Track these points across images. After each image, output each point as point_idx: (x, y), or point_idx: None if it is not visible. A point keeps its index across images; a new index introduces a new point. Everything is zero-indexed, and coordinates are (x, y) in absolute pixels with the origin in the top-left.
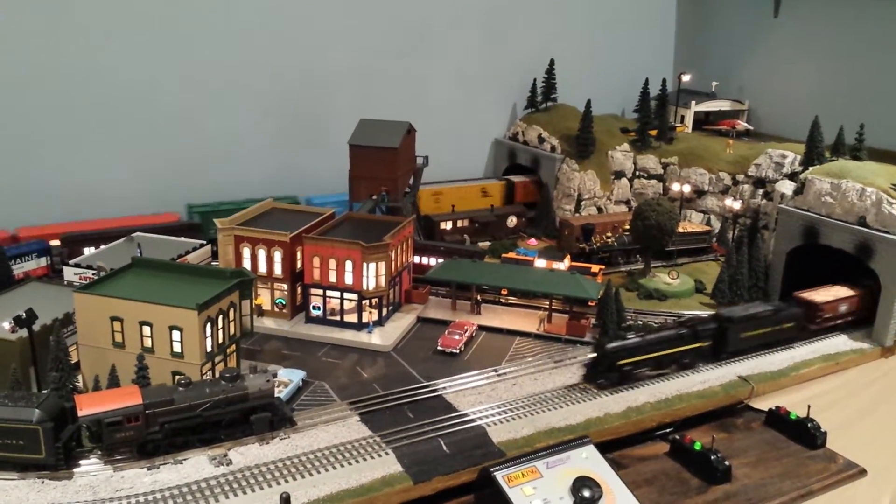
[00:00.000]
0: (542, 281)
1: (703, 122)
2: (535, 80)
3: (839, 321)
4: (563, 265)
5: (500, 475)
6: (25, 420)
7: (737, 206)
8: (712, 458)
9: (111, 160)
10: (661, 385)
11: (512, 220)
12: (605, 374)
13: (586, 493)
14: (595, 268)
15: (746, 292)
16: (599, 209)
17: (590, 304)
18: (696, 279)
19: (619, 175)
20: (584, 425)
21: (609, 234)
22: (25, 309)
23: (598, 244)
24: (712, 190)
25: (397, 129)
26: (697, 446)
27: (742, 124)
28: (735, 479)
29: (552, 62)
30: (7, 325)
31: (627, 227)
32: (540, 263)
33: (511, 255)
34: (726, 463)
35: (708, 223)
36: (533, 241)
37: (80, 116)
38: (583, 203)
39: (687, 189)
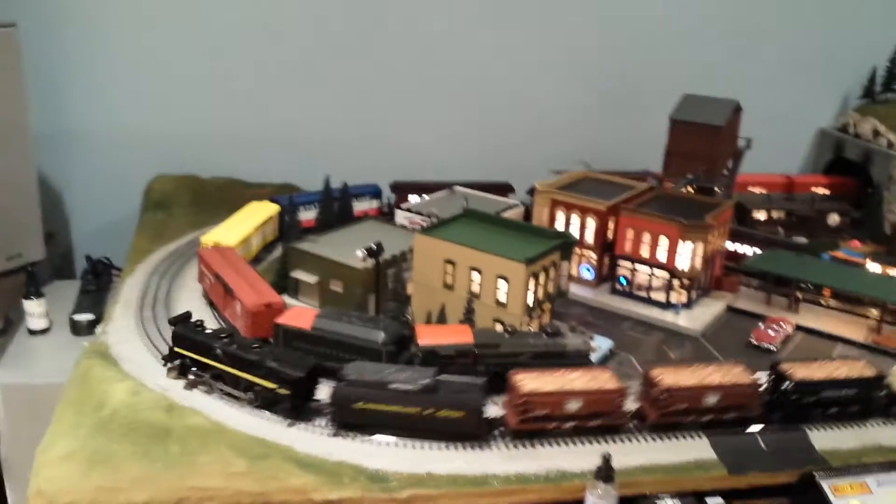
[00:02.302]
0: (875, 286)
1: None
2: (874, 67)
3: None
4: None
5: (826, 483)
6: (372, 341)
7: None
8: None
9: (435, 125)
10: None
11: (834, 218)
12: None
13: None
14: None
15: None
16: None
17: None
18: None
19: None
20: None
21: None
22: (375, 242)
23: None
24: None
25: (724, 106)
26: None
27: None
28: None
29: None
30: (359, 255)
31: None
32: (873, 267)
33: (839, 254)
34: None
35: None
36: (856, 243)
37: (408, 82)
38: None
39: None
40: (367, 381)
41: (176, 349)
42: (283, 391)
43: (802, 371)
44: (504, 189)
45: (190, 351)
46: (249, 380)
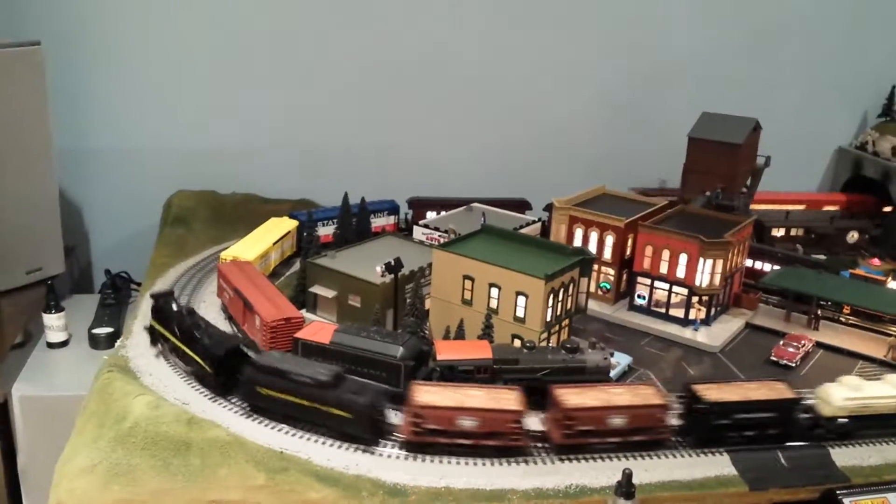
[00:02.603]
0: (895, 303)
1: None
2: (893, 86)
3: None
4: None
5: (847, 500)
6: (391, 356)
7: None
8: None
9: (453, 141)
10: None
11: (853, 236)
12: None
13: None
14: None
15: None
16: None
17: None
18: None
19: None
20: None
21: None
22: (394, 258)
23: None
24: None
25: (743, 124)
26: None
27: None
28: None
29: None
30: (378, 270)
31: None
32: (894, 285)
33: (859, 271)
34: None
35: None
36: (876, 260)
37: (427, 99)
38: None
39: None
40: (270, 368)
41: (152, 321)
42: (207, 368)
43: (717, 392)
44: (521, 206)
45: (160, 324)
46: (190, 354)
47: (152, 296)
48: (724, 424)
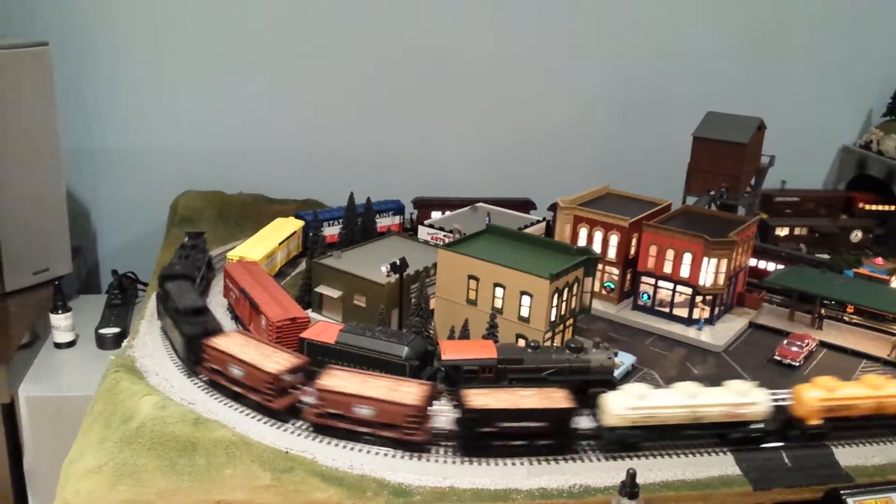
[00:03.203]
0: None
1: None
2: None
3: None
4: None
5: (851, 500)
6: (396, 355)
7: None
8: None
9: (451, 141)
10: None
11: (857, 235)
12: None
13: None
14: None
15: None
16: None
17: None
18: None
19: None
20: None
21: None
22: (399, 258)
23: None
24: None
25: (747, 124)
26: None
27: None
28: None
29: None
30: (384, 270)
31: None
32: None
33: (863, 271)
34: None
35: None
36: (880, 260)
37: (425, 97)
38: None
39: None
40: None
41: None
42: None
43: (484, 399)
44: (526, 205)
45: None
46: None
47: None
48: (488, 432)
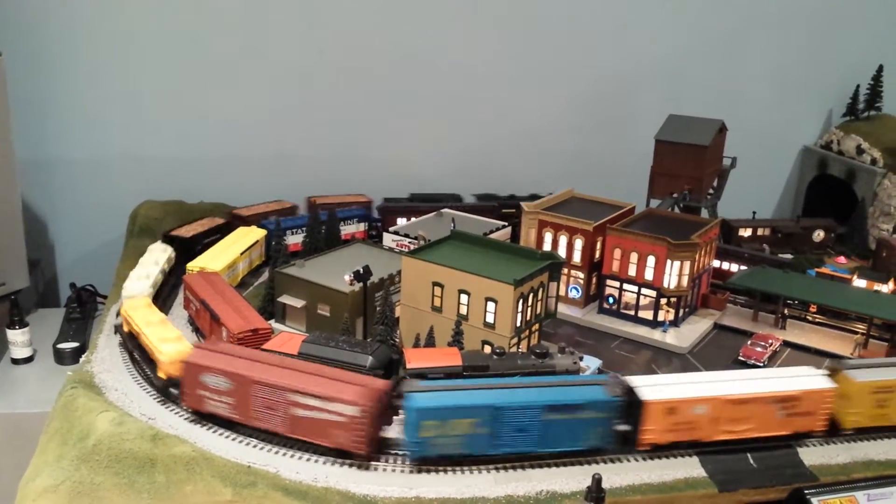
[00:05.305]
0: (861, 301)
1: None
2: (857, 86)
3: None
4: (887, 287)
5: (815, 500)
6: (360, 365)
7: None
8: None
9: (419, 144)
10: None
11: (819, 235)
12: None
13: None
14: None
15: None
16: None
17: None
18: None
19: None
20: None
21: None
22: (363, 266)
23: None
24: None
25: (709, 126)
26: None
27: None
28: None
29: (881, 68)
30: (347, 279)
31: None
32: (859, 283)
33: (825, 270)
34: None
35: None
36: (842, 258)
37: (397, 102)
38: None
39: None
40: None
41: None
42: None
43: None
44: (492, 211)
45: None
46: None
47: None
48: None
